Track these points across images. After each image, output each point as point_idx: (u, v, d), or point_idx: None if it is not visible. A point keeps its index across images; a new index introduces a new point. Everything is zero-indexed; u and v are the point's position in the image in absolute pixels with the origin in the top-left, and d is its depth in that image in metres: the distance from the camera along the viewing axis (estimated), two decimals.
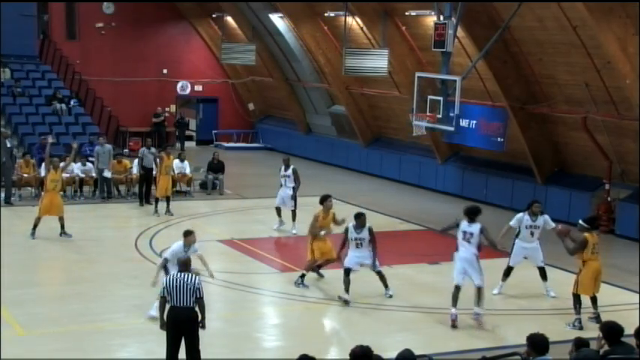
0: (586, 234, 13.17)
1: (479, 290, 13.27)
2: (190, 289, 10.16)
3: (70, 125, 29.30)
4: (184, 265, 10.46)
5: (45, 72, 32.54)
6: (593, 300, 13.38)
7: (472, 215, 13.32)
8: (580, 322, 13.13)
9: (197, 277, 10.36)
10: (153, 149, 23.34)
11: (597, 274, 13.27)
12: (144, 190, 22.52)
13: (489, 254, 18.36)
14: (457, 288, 13.25)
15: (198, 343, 10.27)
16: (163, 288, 10.35)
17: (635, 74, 17.86)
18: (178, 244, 12.68)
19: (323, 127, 32.35)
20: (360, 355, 7.31)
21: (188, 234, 12.78)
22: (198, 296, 10.22)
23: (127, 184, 23.70)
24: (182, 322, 10.20)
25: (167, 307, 10.30)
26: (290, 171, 19.92)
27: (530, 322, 13.13)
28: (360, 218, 14.32)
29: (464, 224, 13.32)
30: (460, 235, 13.36)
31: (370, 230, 14.31)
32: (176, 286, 10.17)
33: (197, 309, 10.28)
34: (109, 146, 23.92)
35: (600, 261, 13.34)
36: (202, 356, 10.23)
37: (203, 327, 10.42)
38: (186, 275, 10.28)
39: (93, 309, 13.60)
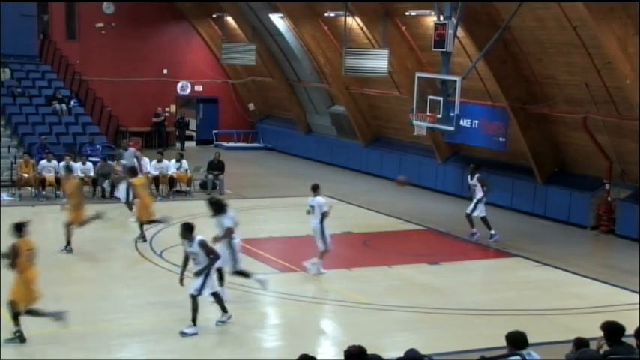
0: (17, 240, 11.95)
1: (322, 253, 15.88)
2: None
3: (70, 125, 29.25)
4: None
5: (45, 72, 32.49)
6: (31, 311, 11.87)
7: (315, 190, 15.86)
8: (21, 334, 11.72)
9: None
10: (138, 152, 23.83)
11: (33, 283, 11.97)
12: None
13: (488, 254, 18.44)
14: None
15: None
16: None
17: (635, 74, 17.85)
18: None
19: (323, 127, 32.34)
20: (355, 353, 7.32)
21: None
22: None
23: None
24: None
25: None
26: (475, 180, 19.35)
27: (530, 321, 13.14)
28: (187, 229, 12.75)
29: (309, 199, 15.95)
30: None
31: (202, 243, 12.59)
32: None
33: None
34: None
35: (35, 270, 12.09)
36: (202, 356, 10.21)
37: None
38: None
39: (93, 309, 13.58)
